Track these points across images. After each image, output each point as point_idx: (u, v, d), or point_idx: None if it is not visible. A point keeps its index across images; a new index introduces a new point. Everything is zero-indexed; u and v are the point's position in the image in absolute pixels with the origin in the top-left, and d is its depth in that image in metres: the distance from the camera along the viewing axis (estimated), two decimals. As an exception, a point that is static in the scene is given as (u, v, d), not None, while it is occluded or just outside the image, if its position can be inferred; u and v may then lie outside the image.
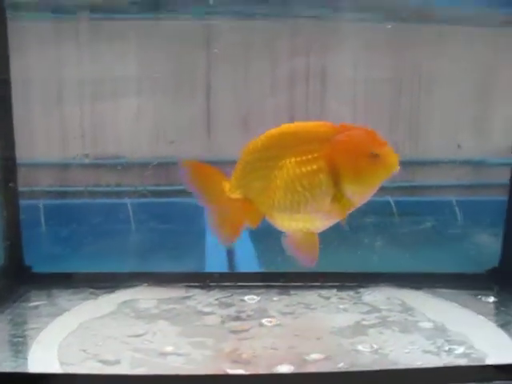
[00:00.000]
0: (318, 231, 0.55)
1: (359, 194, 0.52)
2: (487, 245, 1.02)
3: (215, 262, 1.15)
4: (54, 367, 0.53)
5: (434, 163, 1.28)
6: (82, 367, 0.54)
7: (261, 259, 0.99)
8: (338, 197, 0.52)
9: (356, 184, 0.52)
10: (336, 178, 0.51)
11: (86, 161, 0.89)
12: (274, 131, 0.54)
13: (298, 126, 0.54)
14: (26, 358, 0.55)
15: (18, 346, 0.59)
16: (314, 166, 0.52)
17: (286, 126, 0.54)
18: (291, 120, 0.55)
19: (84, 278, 0.75)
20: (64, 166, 1.27)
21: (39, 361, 0.55)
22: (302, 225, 0.54)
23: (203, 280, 0.74)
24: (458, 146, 1.02)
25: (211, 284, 0.74)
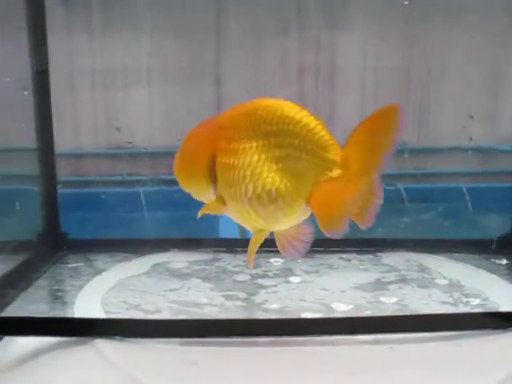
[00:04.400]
0: None
1: None
2: (497, 226, 1.04)
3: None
4: (100, 315, 0.58)
5: (444, 150, 1.31)
6: (126, 316, 0.58)
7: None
8: None
9: None
10: None
11: (118, 132, 0.93)
12: None
13: None
14: (73, 309, 0.60)
15: (64, 298, 0.63)
16: None
17: None
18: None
19: (117, 243, 0.79)
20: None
21: (85, 310, 0.59)
22: None
23: (229, 245, 0.79)
24: (470, 117, 1.05)
25: (237, 249, 0.78)
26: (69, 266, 0.73)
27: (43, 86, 0.77)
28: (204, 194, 0.54)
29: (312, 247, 0.79)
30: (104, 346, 0.53)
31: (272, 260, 0.75)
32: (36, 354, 0.55)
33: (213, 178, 0.53)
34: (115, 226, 0.95)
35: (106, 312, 0.58)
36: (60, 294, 0.65)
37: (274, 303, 0.60)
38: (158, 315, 0.58)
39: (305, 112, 0.50)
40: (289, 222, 0.53)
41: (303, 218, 0.53)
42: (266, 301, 0.61)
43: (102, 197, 0.85)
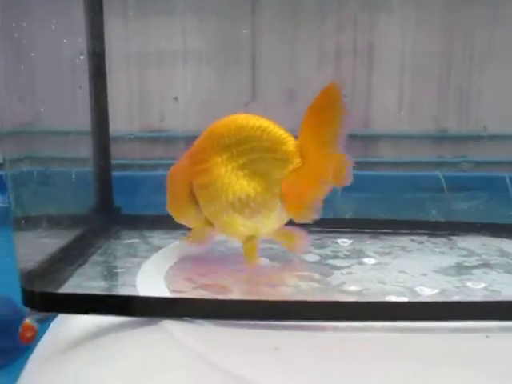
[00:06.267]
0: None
1: None
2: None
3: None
4: (165, 294, 0.53)
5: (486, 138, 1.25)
6: (193, 295, 0.53)
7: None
8: None
9: None
10: None
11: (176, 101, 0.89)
12: None
13: None
14: (135, 286, 0.55)
15: (123, 276, 0.59)
16: None
17: None
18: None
19: (171, 220, 0.75)
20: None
21: (148, 288, 0.55)
22: None
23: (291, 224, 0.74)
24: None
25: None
26: (124, 242, 0.69)
27: (99, 65, 0.73)
28: (196, 222, 0.60)
29: (379, 229, 0.74)
30: (171, 326, 0.49)
31: (339, 241, 0.70)
32: (97, 332, 0.51)
33: (196, 201, 0.58)
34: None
35: (171, 291, 0.54)
36: (119, 270, 0.61)
37: (352, 285, 0.55)
38: (229, 295, 0.53)
39: (256, 117, 0.54)
40: (272, 222, 0.56)
41: (287, 217, 0.56)
42: (344, 282, 0.56)
43: (152, 178, 0.81)
